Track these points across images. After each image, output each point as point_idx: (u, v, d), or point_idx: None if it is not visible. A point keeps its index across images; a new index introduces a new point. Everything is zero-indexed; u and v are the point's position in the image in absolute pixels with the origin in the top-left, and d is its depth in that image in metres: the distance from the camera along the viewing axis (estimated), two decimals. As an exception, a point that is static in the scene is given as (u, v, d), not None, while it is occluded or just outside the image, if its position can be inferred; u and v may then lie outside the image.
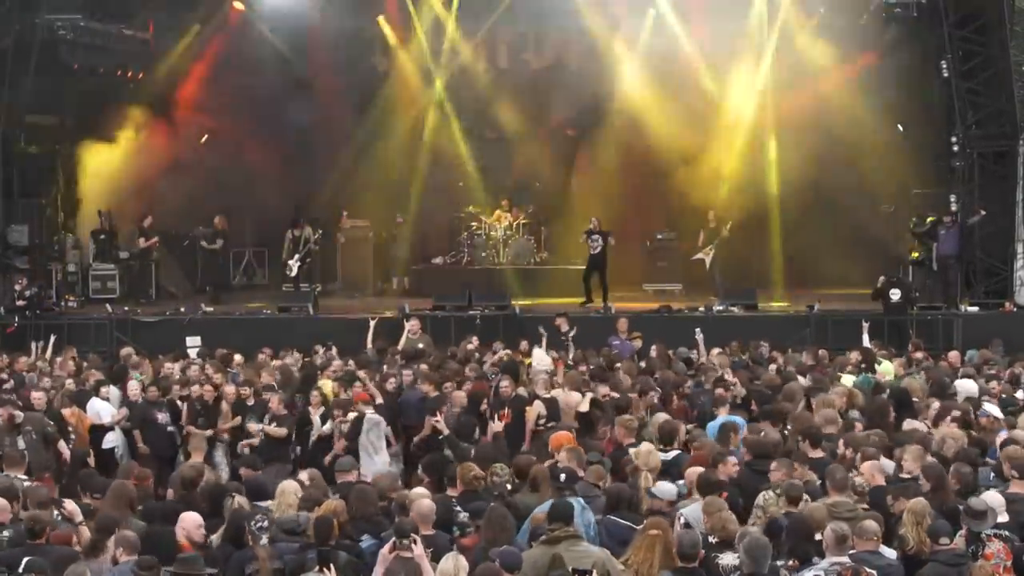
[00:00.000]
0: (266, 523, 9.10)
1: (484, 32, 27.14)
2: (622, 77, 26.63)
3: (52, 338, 19.43)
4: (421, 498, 9.51)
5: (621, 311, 21.88)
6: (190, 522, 9.24)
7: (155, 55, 25.98)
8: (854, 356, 17.00)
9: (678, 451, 11.76)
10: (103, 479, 10.66)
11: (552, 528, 8.64)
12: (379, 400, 14.58)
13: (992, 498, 9.37)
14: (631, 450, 11.31)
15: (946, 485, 9.95)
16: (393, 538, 8.48)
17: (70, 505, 9.74)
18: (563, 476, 10.07)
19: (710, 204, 25.41)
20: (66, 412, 14.40)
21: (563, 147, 28.38)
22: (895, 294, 21.62)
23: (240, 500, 9.89)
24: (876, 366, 16.41)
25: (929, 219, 22.96)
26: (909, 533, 9.02)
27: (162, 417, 14.99)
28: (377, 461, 13.54)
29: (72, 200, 25.10)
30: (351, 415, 13.98)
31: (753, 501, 9.97)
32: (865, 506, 9.77)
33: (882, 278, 21.91)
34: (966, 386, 14.74)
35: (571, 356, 17.99)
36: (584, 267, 24.06)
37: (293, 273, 24.72)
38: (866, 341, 18.80)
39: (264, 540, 9.08)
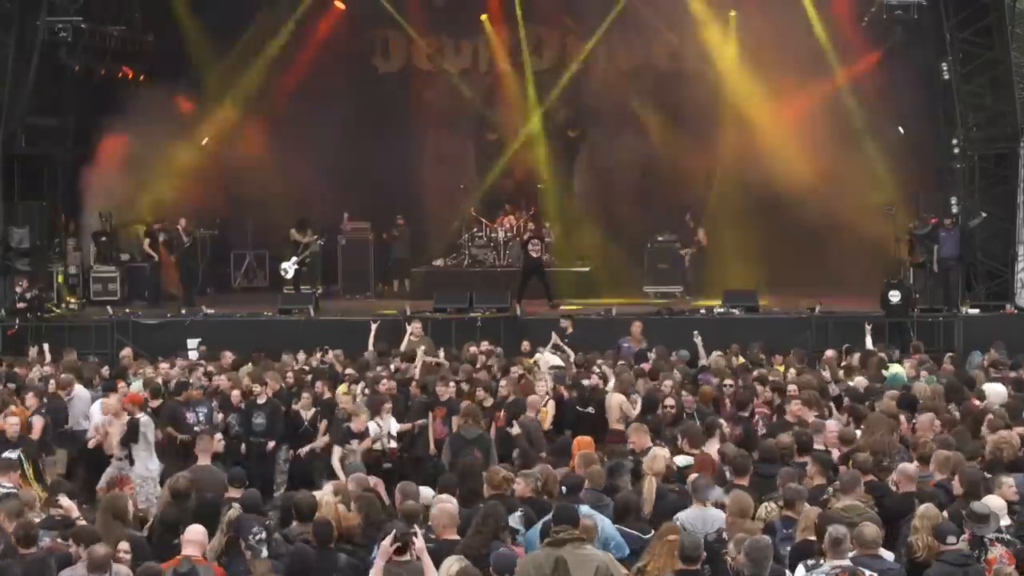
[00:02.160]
0: (264, 535, 8.97)
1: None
2: (622, 77, 26.67)
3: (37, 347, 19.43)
4: (444, 503, 9.49)
5: (623, 313, 21.85)
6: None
7: (155, 57, 25.97)
8: (856, 358, 16.96)
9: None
10: (70, 485, 10.66)
11: (557, 530, 8.63)
12: (152, 404, 14.47)
13: (994, 502, 9.36)
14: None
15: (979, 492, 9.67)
16: (394, 530, 8.47)
17: (65, 501, 9.79)
18: (564, 489, 10.02)
19: (696, 206, 25.82)
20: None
21: (563, 147, 28.36)
22: (895, 296, 21.61)
23: (237, 510, 9.74)
24: (883, 371, 16.35)
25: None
26: (918, 539, 8.97)
27: (191, 416, 14.93)
28: (149, 465, 13.57)
29: (72, 202, 25.06)
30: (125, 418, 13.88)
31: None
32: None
33: (885, 284, 21.92)
34: (995, 389, 14.62)
35: (572, 359, 18.00)
36: (521, 271, 24.27)
37: (289, 276, 24.70)
38: (869, 344, 18.78)
39: (264, 553, 8.94)
